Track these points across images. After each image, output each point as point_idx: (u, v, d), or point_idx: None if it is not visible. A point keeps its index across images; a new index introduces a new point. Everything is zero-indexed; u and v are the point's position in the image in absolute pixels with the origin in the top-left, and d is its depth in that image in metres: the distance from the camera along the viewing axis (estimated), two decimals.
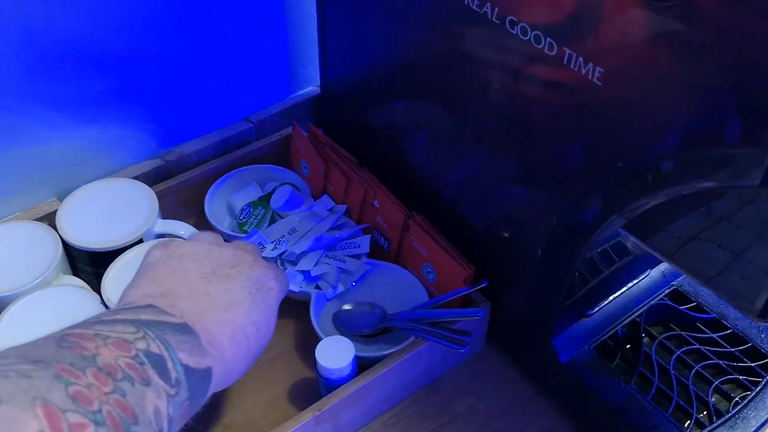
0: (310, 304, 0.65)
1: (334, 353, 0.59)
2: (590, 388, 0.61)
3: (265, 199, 0.74)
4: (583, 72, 0.46)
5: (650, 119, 0.44)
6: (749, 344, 0.64)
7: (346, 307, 0.67)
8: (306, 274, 0.68)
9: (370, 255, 0.70)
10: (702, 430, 0.58)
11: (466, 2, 0.53)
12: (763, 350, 0.63)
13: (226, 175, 0.76)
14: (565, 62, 0.47)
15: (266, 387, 0.64)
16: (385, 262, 0.70)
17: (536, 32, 0.49)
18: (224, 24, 0.74)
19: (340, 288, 0.67)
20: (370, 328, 0.66)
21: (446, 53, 0.59)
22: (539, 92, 0.51)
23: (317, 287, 0.68)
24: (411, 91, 0.66)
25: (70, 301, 0.61)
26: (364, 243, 0.70)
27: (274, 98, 0.83)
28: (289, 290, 0.66)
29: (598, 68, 0.45)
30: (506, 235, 0.62)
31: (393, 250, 0.70)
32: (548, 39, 0.48)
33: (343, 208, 0.73)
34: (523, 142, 0.55)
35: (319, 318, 0.66)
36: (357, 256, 0.69)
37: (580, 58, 0.46)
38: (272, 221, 0.73)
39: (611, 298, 0.66)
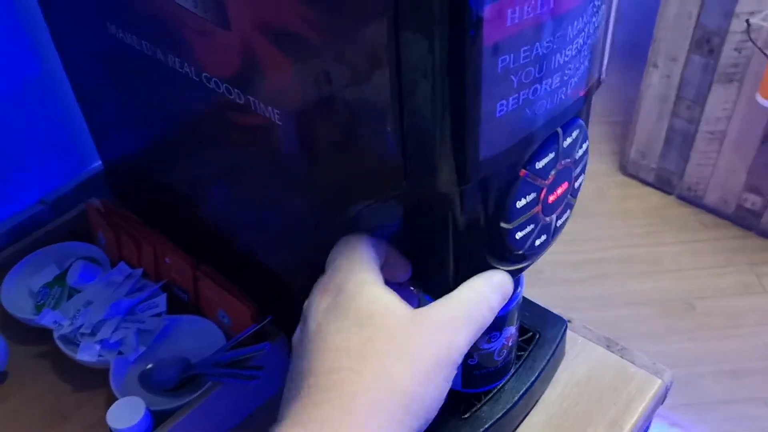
0: (109, 372, 0.67)
1: (126, 414, 0.61)
2: None
3: (61, 278, 0.76)
4: (266, 114, 0.50)
5: (320, 147, 0.48)
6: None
7: (149, 366, 0.69)
8: (105, 342, 0.69)
9: (172, 309, 0.73)
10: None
11: (170, 64, 0.56)
12: (527, 326, 0.68)
13: (22, 261, 0.77)
14: (253, 108, 0.51)
15: None
16: (185, 315, 0.72)
17: (226, 85, 0.52)
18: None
19: (141, 349, 0.70)
20: (173, 381, 0.68)
21: (179, 112, 0.62)
22: (248, 137, 0.55)
23: (120, 353, 0.70)
24: (169, 150, 0.69)
25: None
26: (161, 301, 0.72)
27: (68, 176, 0.85)
28: (87, 360, 0.68)
29: (275, 110, 0.50)
30: (284, 266, 0.65)
31: (192, 301, 0.73)
32: (235, 90, 0.52)
33: (139, 271, 0.75)
34: (256, 184, 0.59)
35: (121, 383, 0.68)
36: (157, 315, 0.72)
37: (260, 103, 0.50)
38: (70, 298, 0.74)
39: None
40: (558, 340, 0.67)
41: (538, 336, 0.68)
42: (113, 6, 0.59)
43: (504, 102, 0.40)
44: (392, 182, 0.44)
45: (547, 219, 0.49)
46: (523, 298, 0.70)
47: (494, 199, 0.46)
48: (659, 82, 2.00)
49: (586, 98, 0.47)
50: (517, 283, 0.59)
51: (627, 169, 2.24)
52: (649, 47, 1.97)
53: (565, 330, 0.69)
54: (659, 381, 0.70)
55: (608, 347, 0.74)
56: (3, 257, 0.78)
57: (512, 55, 0.39)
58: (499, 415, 0.62)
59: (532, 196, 0.46)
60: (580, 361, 0.72)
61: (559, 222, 0.52)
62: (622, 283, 1.99)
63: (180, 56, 0.55)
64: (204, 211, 0.71)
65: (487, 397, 0.63)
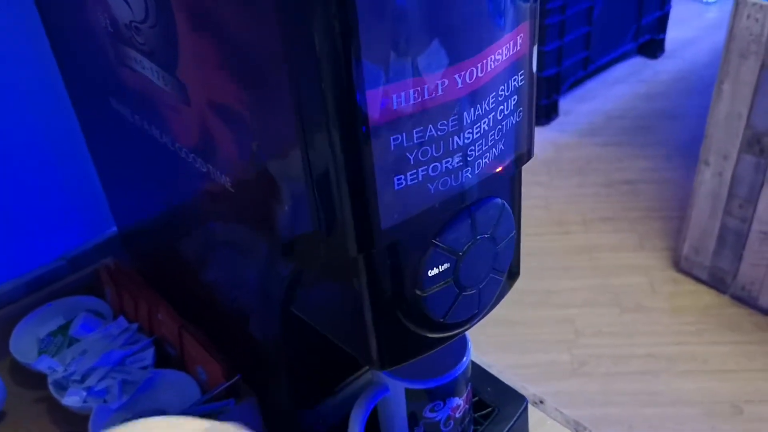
0: (89, 418, 0.72)
1: None
2: None
3: (65, 328, 0.82)
4: (222, 182, 0.56)
5: (265, 212, 0.53)
6: (476, 398, 0.70)
7: (130, 416, 0.74)
8: (91, 389, 0.75)
9: (162, 363, 0.78)
10: None
11: (154, 135, 0.63)
12: (486, 401, 0.70)
13: (35, 311, 0.84)
14: (212, 176, 0.57)
15: None
16: (169, 370, 0.77)
17: (192, 154, 0.58)
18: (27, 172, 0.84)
19: (124, 398, 0.74)
20: None
21: (164, 181, 0.68)
22: (211, 203, 0.61)
23: (105, 401, 0.75)
24: (160, 216, 0.75)
25: None
26: (149, 355, 0.77)
27: (88, 235, 0.92)
28: (72, 405, 0.73)
29: (227, 178, 0.55)
30: (249, 327, 0.69)
31: (179, 356, 0.78)
32: (199, 159, 0.57)
33: (134, 326, 0.80)
34: (219, 248, 0.64)
35: (100, 430, 0.72)
36: (144, 367, 0.77)
37: (217, 171, 0.56)
38: (70, 347, 0.80)
39: (358, 373, 0.73)
40: (516, 418, 0.69)
41: (496, 412, 0.69)
42: (112, 81, 0.66)
43: (402, 177, 0.44)
44: (314, 247, 0.49)
45: (468, 291, 0.52)
46: (487, 372, 0.73)
47: (409, 267, 0.49)
48: (711, 179, 1.99)
49: (506, 176, 0.51)
50: (461, 353, 0.62)
51: (680, 265, 2.20)
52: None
53: (525, 408, 0.70)
54: None
55: (575, 431, 0.74)
56: (20, 305, 0.85)
57: (404, 134, 0.43)
58: None
59: (445, 266, 0.50)
60: None
61: (486, 295, 0.54)
62: (668, 380, 1.93)
63: (159, 127, 0.61)
64: (188, 273, 0.76)
65: None
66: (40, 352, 0.80)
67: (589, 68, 2.92)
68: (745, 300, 2.08)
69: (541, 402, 0.77)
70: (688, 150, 2.37)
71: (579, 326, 2.08)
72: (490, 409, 0.69)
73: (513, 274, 0.59)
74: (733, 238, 2.02)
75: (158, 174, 0.69)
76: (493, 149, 0.48)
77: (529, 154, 0.52)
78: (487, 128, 0.47)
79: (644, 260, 2.27)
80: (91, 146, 0.84)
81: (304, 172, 0.45)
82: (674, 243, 2.30)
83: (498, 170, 0.49)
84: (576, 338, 2.05)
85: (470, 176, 0.47)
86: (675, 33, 3.35)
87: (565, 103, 2.98)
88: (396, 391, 0.61)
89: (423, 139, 0.44)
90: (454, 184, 0.47)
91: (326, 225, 0.46)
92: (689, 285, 2.18)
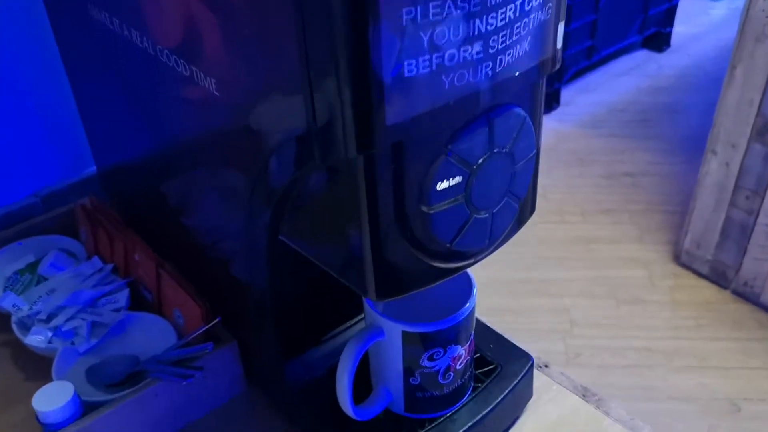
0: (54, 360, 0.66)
1: (52, 397, 0.59)
2: (330, 416, 0.60)
3: (34, 266, 0.75)
4: (206, 85, 0.49)
5: (253, 116, 0.47)
6: (477, 354, 0.64)
7: (98, 360, 0.67)
8: (57, 330, 0.68)
9: (136, 308, 0.72)
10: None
11: (130, 38, 0.56)
12: (488, 358, 0.64)
13: (3, 249, 0.77)
14: (195, 80, 0.50)
15: None
16: (144, 313, 0.71)
17: (174, 56, 0.52)
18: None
19: (93, 341, 0.68)
20: (119, 377, 0.66)
21: (146, 100, 0.62)
22: (191, 109, 0.54)
23: (72, 344, 0.68)
24: (141, 149, 0.69)
25: None
26: (123, 297, 0.71)
27: (65, 175, 0.86)
28: (35, 346, 0.67)
29: (211, 79, 0.49)
30: (228, 271, 0.63)
31: (155, 300, 0.71)
32: (181, 60, 0.51)
33: (109, 266, 0.74)
34: (201, 168, 0.58)
35: (65, 372, 0.66)
36: (117, 310, 0.70)
37: (201, 73, 0.49)
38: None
39: (349, 324, 0.67)
40: (520, 377, 0.62)
41: (499, 369, 0.63)
42: None
43: (413, 62, 0.38)
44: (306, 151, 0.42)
45: (481, 214, 0.46)
46: (489, 329, 0.66)
47: (415, 177, 0.43)
48: (717, 169, 1.94)
49: (528, 85, 0.45)
50: (465, 296, 0.56)
51: (681, 258, 2.15)
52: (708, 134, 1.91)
53: (530, 367, 0.64)
54: None
55: (584, 396, 0.68)
56: None
57: (418, 7, 0.37)
58: None
59: (457, 180, 0.43)
60: (550, 407, 0.67)
61: (499, 224, 0.48)
62: (664, 375, 1.88)
63: (139, 29, 0.55)
64: (169, 212, 0.70)
65: (432, 425, 0.59)
66: (6, 290, 0.73)
67: (593, 58, 2.87)
68: (747, 296, 2.03)
69: (546, 366, 0.71)
70: (691, 144, 2.32)
71: (574, 317, 2.03)
72: (492, 366, 0.63)
73: (528, 208, 0.52)
74: (738, 232, 1.97)
75: (138, 92, 0.63)
76: (518, 46, 0.42)
77: (553, 64, 0.46)
78: (513, 17, 0.40)
79: (644, 253, 2.21)
80: (70, 71, 0.77)
81: (299, 49, 0.39)
82: (675, 236, 2.24)
83: (521, 73, 0.43)
84: (571, 328, 2.00)
85: (490, 74, 0.41)
86: (681, 28, 3.30)
87: (567, 94, 2.92)
88: (392, 334, 0.55)
89: (440, 17, 0.37)
90: (471, 81, 0.41)
91: (323, 118, 0.40)
92: (689, 279, 2.13)
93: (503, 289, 2.09)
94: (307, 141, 0.43)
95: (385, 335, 0.55)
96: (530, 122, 0.46)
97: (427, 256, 0.46)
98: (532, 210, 0.54)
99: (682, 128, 2.76)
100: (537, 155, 0.49)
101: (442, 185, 0.43)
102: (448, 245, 0.46)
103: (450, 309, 0.55)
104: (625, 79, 3.07)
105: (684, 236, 2.11)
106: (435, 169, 0.42)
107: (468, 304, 0.55)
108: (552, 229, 2.30)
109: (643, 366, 1.91)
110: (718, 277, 2.08)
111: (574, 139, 2.72)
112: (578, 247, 2.24)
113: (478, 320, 0.66)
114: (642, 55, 3.21)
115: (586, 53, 2.83)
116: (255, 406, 0.68)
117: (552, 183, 2.46)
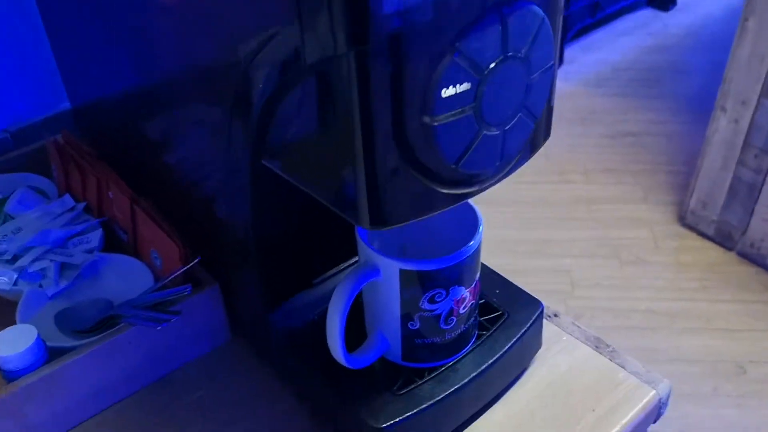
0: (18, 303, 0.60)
1: (12, 342, 0.54)
2: (317, 363, 0.55)
3: (0, 203, 0.69)
4: None
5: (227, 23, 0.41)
6: (482, 300, 0.58)
7: (69, 305, 0.62)
8: (24, 271, 0.63)
9: (111, 250, 0.66)
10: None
11: None
12: (494, 305, 0.58)
13: None
14: None
15: None
16: (117, 254, 0.65)
17: None
18: None
19: (62, 284, 0.62)
20: (90, 322, 0.60)
21: (115, 26, 0.56)
22: (174, 28, 0.48)
23: (40, 286, 0.63)
24: (114, 81, 0.63)
25: None
26: (95, 237, 0.65)
27: (38, 111, 0.80)
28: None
29: None
30: (208, 206, 0.57)
31: (131, 242, 0.66)
32: None
33: (81, 205, 0.68)
34: (179, 96, 0.52)
35: (32, 316, 0.60)
36: (90, 251, 0.65)
37: None
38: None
39: (343, 266, 0.61)
40: (529, 324, 0.57)
41: (506, 316, 0.58)
42: None
43: None
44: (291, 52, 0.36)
45: (492, 131, 0.40)
46: (495, 273, 0.61)
47: (417, 81, 0.37)
48: (726, 126, 1.87)
49: None
50: (471, 231, 0.50)
51: (685, 219, 2.09)
52: (717, 93, 1.84)
53: (540, 314, 0.58)
54: (652, 392, 0.59)
55: (597, 348, 0.63)
56: None
57: None
58: (441, 397, 0.52)
59: (465, 86, 0.37)
60: (560, 359, 0.62)
61: (512, 144, 0.42)
62: (668, 337, 1.84)
63: None
64: (145, 145, 0.64)
65: (431, 375, 0.53)
66: None
67: (597, 15, 2.79)
68: (753, 258, 1.98)
69: (556, 315, 0.66)
70: (696, 104, 2.25)
71: (575, 278, 1.99)
72: (498, 313, 0.58)
73: (543, 132, 0.47)
74: (745, 191, 1.91)
75: (110, 19, 0.56)
76: None
77: None
78: None
79: (647, 213, 2.16)
80: (41, 2, 0.71)
81: None
82: (680, 197, 2.19)
83: None
84: (572, 290, 1.95)
85: None
86: None
87: (570, 52, 2.85)
88: (388, 273, 0.49)
89: None
90: None
91: (308, 5, 0.34)
92: (694, 240, 2.08)
93: (501, 249, 2.04)
94: (290, 40, 0.36)
95: (381, 274, 0.49)
96: (549, 25, 0.40)
97: (429, 179, 0.40)
98: (547, 135, 0.48)
99: (687, 88, 2.69)
100: (554, 69, 0.43)
101: (448, 92, 0.37)
102: (453, 166, 0.40)
103: (453, 248, 0.49)
104: (630, 38, 2.99)
105: (689, 196, 2.06)
106: (440, 72, 0.36)
107: (473, 240, 0.50)
108: (553, 189, 2.24)
109: (646, 328, 1.87)
110: (723, 238, 2.03)
111: (577, 98, 2.65)
112: (580, 207, 2.19)
113: (483, 265, 0.60)
114: (647, 14, 3.13)
115: (590, 10, 2.75)
116: (240, 356, 0.62)
117: (553, 142, 2.37)
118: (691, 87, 2.67)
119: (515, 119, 0.41)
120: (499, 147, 0.41)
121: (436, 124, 0.37)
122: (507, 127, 0.41)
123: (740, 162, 1.88)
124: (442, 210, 0.42)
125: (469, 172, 0.41)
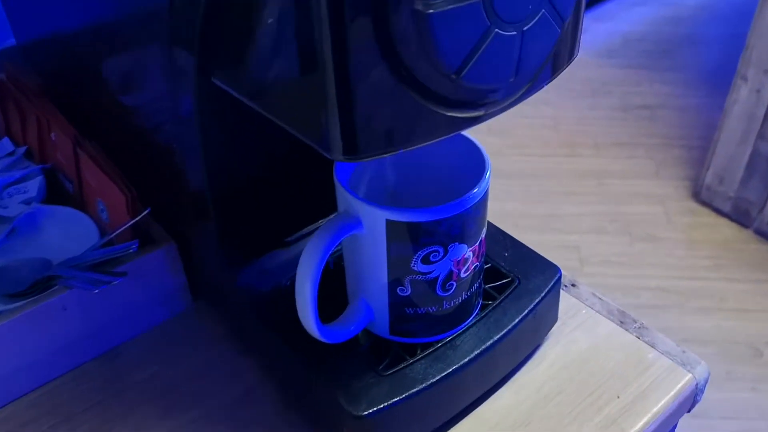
0: None
1: None
2: (288, 337, 0.45)
3: None
4: None
5: None
6: (489, 265, 0.49)
7: (1, 263, 0.52)
8: None
9: (53, 200, 0.56)
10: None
11: None
12: (503, 270, 0.48)
13: None
14: None
15: None
16: (58, 206, 0.55)
17: None
18: None
19: None
20: (24, 284, 0.51)
21: None
22: None
23: None
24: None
25: None
26: (34, 186, 0.56)
27: None
28: None
29: None
30: (158, 147, 0.48)
31: (76, 192, 0.56)
32: None
33: (21, 150, 0.59)
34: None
35: None
36: (27, 202, 0.55)
37: None
38: None
39: (319, 223, 0.51)
40: (543, 294, 0.47)
41: (517, 283, 0.48)
42: None
43: None
44: None
45: (506, 30, 0.30)
46: (503, 232, 0.51)
47: None
48: (747, 97, 1.76)
49: None
50: (476, 176, 0.40)
51: (700, 195, 1.99)
52: (738, 63, 1.74)
53: (557, 282, 0.49)
54: (688, 375, 0.50)
55: (622, 323, 0.53)
56: None
57: None
58: (436, 378, 0.42)
59: None
60: (579, 335, 0.52)
61: (531, 51, 0.32)
62: (680, 317, 1.75)
63: None
64: (91, 81, 0.54)
65: (425, 352, 0.44)
66: None
67: None
68: None
69: (574, 285, 0.56)
70: (712, 78, 2.14)
71: (584, 254, 1.90)
72: (508, 280, 0.48)
73: (568, 46, 0.37)
74: (765, 166, 1.81)
75: None
76: None
77: None
78: None
79: (660, 189, 2.07)
80: None
81: None
82: (694, 172, 2.09)
83: None
84: (581, 266, 1.86)
85: None
86: None
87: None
88: (372, 225, 0.39)
89: None
90: None
91: None
92: (709, 217, 1.98)
93: (507, 222, 1.93)
94: None
95: (363, 226, 0.40)
96: None
97: (420, 94, 0.30)
98: (572, 53, 0.38)
99: (703, 61, 2.58)
100: None
101: None
102: (453, 75, 0.30)
103: (453, 197, 0.40)
104: (643, 9, 2.89)
105: (705, 171, 1.96)
106: None
107: (478, 187, 0.40)
108: (562, 162, 2.14)
109: (657, 307, 1.78)
110: (739, 215, 1.93)
111: (588, 69, 2.55)
112: (590, 181, 2.09)
113: (490, 223, 0.51)
114: None
115: None
116: (200, 327, 0.53)
117: (563, 114, 2.29)
118: (707, 60, 2.56)
119: (537, 17, 0.31)
120: (515, 53, 0.31)
121: (431, 12, 0.28)
122: (526, 28, 0.31)
123: (760, 135, 1.78)
124: (437, 139, 0.32)
125: (473, 85, 0.31)
